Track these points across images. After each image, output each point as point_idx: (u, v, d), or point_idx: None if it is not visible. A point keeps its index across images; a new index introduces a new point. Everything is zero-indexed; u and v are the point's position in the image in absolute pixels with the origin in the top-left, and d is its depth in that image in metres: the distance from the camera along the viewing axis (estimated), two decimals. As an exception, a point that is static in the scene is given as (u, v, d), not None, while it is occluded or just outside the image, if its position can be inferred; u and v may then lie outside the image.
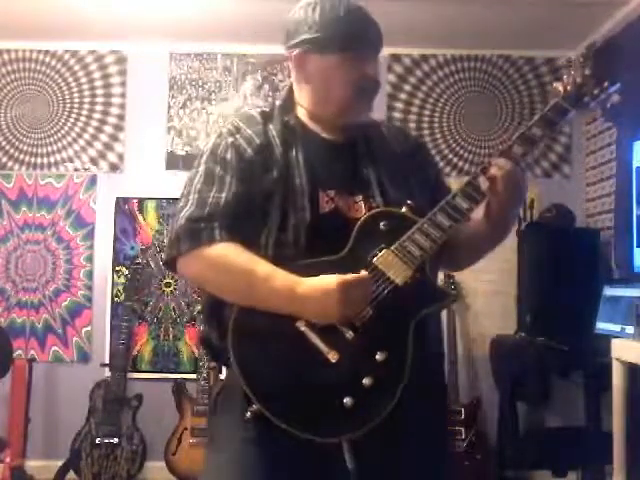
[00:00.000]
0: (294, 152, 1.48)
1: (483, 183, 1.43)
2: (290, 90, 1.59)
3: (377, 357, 1.35)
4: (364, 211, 1.47)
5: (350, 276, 1.34)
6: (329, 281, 1.34)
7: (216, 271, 1.42)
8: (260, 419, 1.33)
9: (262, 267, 1.38)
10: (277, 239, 1.42)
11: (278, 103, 1.58)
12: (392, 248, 1.40)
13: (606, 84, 1.45)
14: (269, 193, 1.43)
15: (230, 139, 1.50)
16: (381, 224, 1.43)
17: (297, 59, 1.52)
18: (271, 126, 1.52)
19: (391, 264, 1.39)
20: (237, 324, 1.39)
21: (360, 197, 1.49)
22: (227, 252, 1.40)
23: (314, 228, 1.42)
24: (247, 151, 1.48)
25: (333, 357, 1.34)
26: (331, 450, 1.35)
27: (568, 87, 1.45)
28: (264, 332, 1.38)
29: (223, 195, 1.44)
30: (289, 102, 1.58)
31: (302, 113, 1.57)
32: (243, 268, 1.39)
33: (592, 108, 1.48)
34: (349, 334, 1.36)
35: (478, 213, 1.49)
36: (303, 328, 1.36)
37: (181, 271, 1.47)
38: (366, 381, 1.34)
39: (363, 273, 1.37)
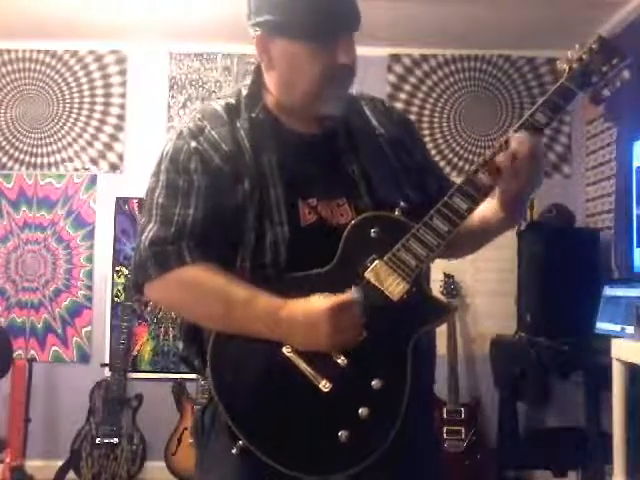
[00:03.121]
0: (266, 156, 1.31)
1: (484, 179, 1.27)
2: (258, 73, 1.39)
3: (373, 384, 1.21)
4: (351, 215, 1.31)
5: (341, 298, 1.20)
6: (318, 305, 1.20)
7: (189, 296, 1.29)
8: (249, 452, 1.21)
9: (240, 289, 1.24)
10: (254, 259, 1.27)
11: (245, 92, 1.38)
12: (385, 258, 1.24)
13: (615, 60, 1.28)
14: (242, 208, 1.27)
15: (193, 143, 1.31)
16: (371, 231, 1.27)
17: (260, 41, 1.32)
18: (238, 124, 1.34)
19: (385, 277, 1.24)
20: (216, 350, 1.26)
21: (344, 199, 1.32)
22: (200, 274, 1.26)
23: (296, 244, 1.26)
24: (214, 160, 1.30)
25: (325, 386, 1.21)
26: None
27: (573, 65, 1.29)
28: (247, 359, 1.25)
29: (190, 212, 1.28)
30: (257, 88, 1.38)
31: (271, 101, 1.37)
32: (218, 291, 1.25)
33: (599, 89, 1.31)
34: (341, 359, 1.22)
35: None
36: (289, 354, 1.22)
37: (150, 296, 1.33)
38: (362, 412, 1.20)
39: (356, 295, 1.22)
